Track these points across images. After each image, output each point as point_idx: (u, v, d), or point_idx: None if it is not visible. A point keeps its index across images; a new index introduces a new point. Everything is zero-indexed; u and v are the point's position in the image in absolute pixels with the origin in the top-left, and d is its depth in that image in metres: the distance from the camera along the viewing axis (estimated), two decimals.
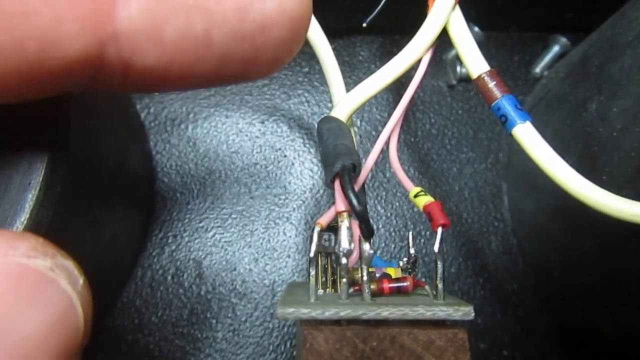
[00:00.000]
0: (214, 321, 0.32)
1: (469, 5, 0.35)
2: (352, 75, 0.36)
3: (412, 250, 0.22)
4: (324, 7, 0.34)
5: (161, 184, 0.33)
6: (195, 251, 0.32)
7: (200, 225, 0.33)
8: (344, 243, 0.17)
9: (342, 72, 0.25)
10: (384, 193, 0.34)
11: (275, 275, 0.32)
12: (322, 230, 0.18)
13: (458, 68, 0.35)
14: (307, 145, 0.34)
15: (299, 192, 0.34)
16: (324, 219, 0.18)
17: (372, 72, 0.39)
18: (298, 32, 0.14)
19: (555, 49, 0.36)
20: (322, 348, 0.16)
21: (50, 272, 0.12)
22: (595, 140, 0.24)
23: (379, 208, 0.34)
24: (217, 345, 0.31)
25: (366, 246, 0.17)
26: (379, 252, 0.33)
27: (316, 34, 0.24)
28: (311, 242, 0.18)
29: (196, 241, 0.33)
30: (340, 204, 0.18)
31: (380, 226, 0.34)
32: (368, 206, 0.34)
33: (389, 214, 0.34)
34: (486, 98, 0.23)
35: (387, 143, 0.22)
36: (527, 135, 0.22)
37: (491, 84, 0.22)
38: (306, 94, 0.35)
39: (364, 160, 0.24)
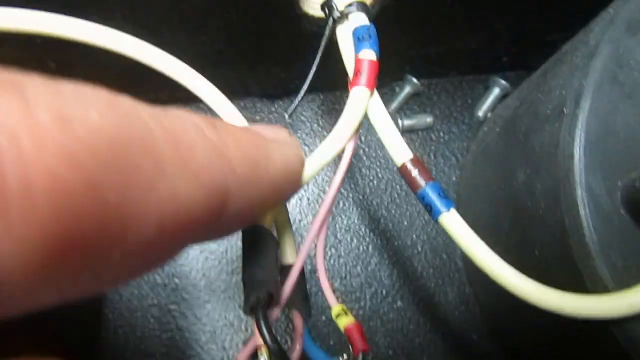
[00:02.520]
0: None
1: (403, 60, 0.35)
2: (297, 136, 0.36)
3: None
4: (261, 80, 0.34)
5: None
6: None
7: None
8: None
9: None
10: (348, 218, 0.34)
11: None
12: None
13: (399, 121, 0.35)
14: None
15: None
16: (241, 357, 0.18)
17: (314, 132, 0.38)
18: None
19: (496, 91, 0.36)
20: None
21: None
22: (525, 214, 0.24)
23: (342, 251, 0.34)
24: None
25: None
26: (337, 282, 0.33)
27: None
28: None
29: None
30: (259, 338, 0.17)
31: (346, 252, 0.34)
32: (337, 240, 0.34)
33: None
34: (411, 186, 0.23)
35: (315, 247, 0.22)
36: (452, 223, 0.22)
37: (415, 173, 0.22)
38: None
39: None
